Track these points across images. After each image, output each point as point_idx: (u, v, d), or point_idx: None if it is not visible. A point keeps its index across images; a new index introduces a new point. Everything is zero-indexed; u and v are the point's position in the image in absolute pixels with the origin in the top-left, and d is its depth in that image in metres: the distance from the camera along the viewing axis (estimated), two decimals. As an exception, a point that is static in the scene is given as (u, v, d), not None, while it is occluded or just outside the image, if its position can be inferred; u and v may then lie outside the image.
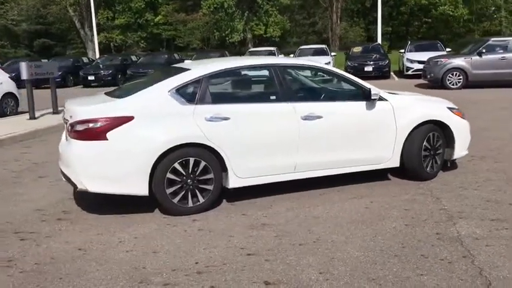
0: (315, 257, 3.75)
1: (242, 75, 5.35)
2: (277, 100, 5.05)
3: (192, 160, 4.68)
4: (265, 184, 5.09)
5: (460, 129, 5.81)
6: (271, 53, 22.57)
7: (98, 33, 36.22)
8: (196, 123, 4.68)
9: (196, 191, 4.75)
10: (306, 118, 5.04)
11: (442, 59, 16.62)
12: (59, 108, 12.03)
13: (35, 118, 11.16)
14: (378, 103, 5.37)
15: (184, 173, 4.68)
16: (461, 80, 15.95)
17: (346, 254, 3.79)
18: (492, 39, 16.94)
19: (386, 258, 3.70)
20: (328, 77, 5.92)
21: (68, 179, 4.74)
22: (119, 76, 22.38)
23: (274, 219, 4.59)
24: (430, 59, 17.30)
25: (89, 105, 4.69)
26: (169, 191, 4.65)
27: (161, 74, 5.49)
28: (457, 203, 4.90)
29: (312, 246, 3.95)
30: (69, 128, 4.64)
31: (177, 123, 4.66)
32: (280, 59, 5.46)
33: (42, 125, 10.29)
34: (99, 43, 36.26)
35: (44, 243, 4.19)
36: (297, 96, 5.21)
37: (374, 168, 5.53)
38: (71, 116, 4.68)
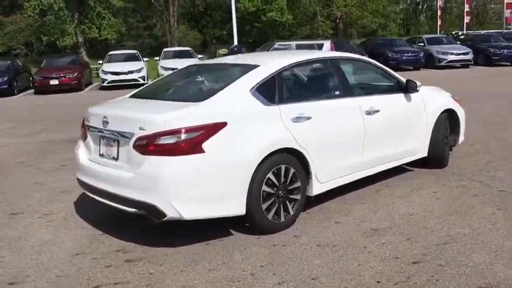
0: (478, 254, 3.56)
1: (309, 70, 4.83)
2: (342, 95, 4.70)
3: (283, 168, 4.06)
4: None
5: (462, 116, 6.17)
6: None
7: None
8: (285, 126, 4.08)
9: (287, 202, 4.15)
10: (368, 113, 4.80)
11: None
12: None
13: None
14: (413, 94, 5.38)
15: (277, 184, 4.04)
16: None
17: (500, 246, 3.68)
18: (277, 43, 17.85)
19: (541, 244, 3.71)
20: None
21: (140, 207, 3.67)
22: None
23: (376, 223, 4.25)
24: None
25: (171, 112, 3.70)
26: (264, 206, 3.97)
27: (220, 71, 4.68)
28: (503, 185, 5.16)
29: (457, 243, 3.75)
30: (144, 142, 3.60)
31: (267, 126, 4.00)
32: (335, 53, 5.11)
33: None
34: None
35: (157, 293, 3.19)
36: (356, 91, 4.95)
37: (411, 160, 5.54)
38: (141, 127, 3.63)
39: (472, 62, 21.92)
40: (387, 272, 3.35)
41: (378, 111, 4.88)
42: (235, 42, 25.14)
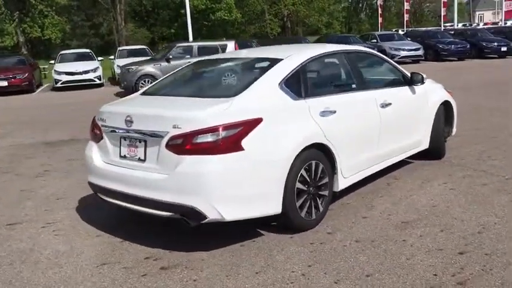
0: (519, 241, 3.62)
1: (328, 63, 4.73)
2: (359, 89, 4.66)
3: (314, 164, 3.96)
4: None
5: (455, 108, 6.31)
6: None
7: None
8: (314, 120, 3.97)
9: (317, 199, 4.05)
10: (382, 106, 4.79)
11: (133, 66, 15.73)
12: None
13: None
14: (417, 87, 5.42)
15: (309, 180, 3.92)
16: None
17: (537, 232, 3.76)
18: (178, 44, 16.88)
19: None
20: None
21: (175, 209, 3.45)
22: None
23: (403, 216, 4.22)
24: (123, 66, 16.23)
25: (206, 108, 3.49)
26: (298, 203, 3.85)
27: (239, 66, 4.48)
28: (507, 173, 5.27)
29: (492, 232, 3.77)
30: (179, 141, 3.38)
31: (299, 121, 3.88)
32: (348, 46, 5.05)
33: None
34: None
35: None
36: (370, 84, 4.90)
37: (416, 152, 5.59)
38: (175, 126, 3.40)
39: (423, 58, 22.73)
40: (439, 264, 3.32)
41: (390, 104, 4.87)
42: (191, 39, 24.70)
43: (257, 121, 3.54)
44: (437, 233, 3.83)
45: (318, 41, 25.04)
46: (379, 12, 48.47)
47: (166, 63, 15.28)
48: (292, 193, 3.77)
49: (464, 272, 3.20)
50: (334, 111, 4.17)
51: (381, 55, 5.36)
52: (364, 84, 4.73)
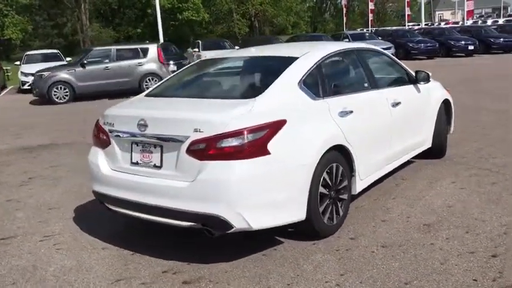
0: (546, 241, 3.55)
1: (342, 61, 4.56)
2: (371, 87, 4.54)
3: (334, 166, 3.79)
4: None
5: (453, 106, 6.28)
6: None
7: None
8: (334, 121, 3.81)
9: (338, 203, 3.89)
10: (393, 105, 4.68)
11: (46, 73, 14.68)
12: None
13: None
14: (421, 86, 5.34)
15: (330, 184, 3.75)
16: (68, 94, 14.33)
17: (559, 231, 3.71)
18: (95, 48, 16.04)
19: None
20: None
21: (197, 219, 3.21)
22: None
23: (423, 218, 4.10)
24: (36, 72, 15.12)
25: (229, 110, 3.26)
26: (321, 209, 3.67)
27: (252, 65, 4.25)
28: (510, 170, 5.30)
29: (519, 232, 3.73)
30: (202, 145, 3.15)
31: (320, 122, 3.71)
32: (358, 44, 4.90)
33: None
34: None
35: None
36: (381, 83, 4.78)
37: (420, 151, 5.50)
38: (196, 129, 3.16)
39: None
40: (475, 268, 3.21)
41: (399, 103, 4.77)
42: (161, 40, 24.22)
43: (281, 123, 3.34)
44: (463, 235, 3.73)
45: (290, 41, 24.97)
46: (344, 12, 48.99)
47: (81, 69, 14.42)
48: (316, 198, 3.59)
49: (504, 276, 3.09)
50: (351, 111, 4.02)
51: (387, 53, 5.25)
52: (375, 83, 4.61)
